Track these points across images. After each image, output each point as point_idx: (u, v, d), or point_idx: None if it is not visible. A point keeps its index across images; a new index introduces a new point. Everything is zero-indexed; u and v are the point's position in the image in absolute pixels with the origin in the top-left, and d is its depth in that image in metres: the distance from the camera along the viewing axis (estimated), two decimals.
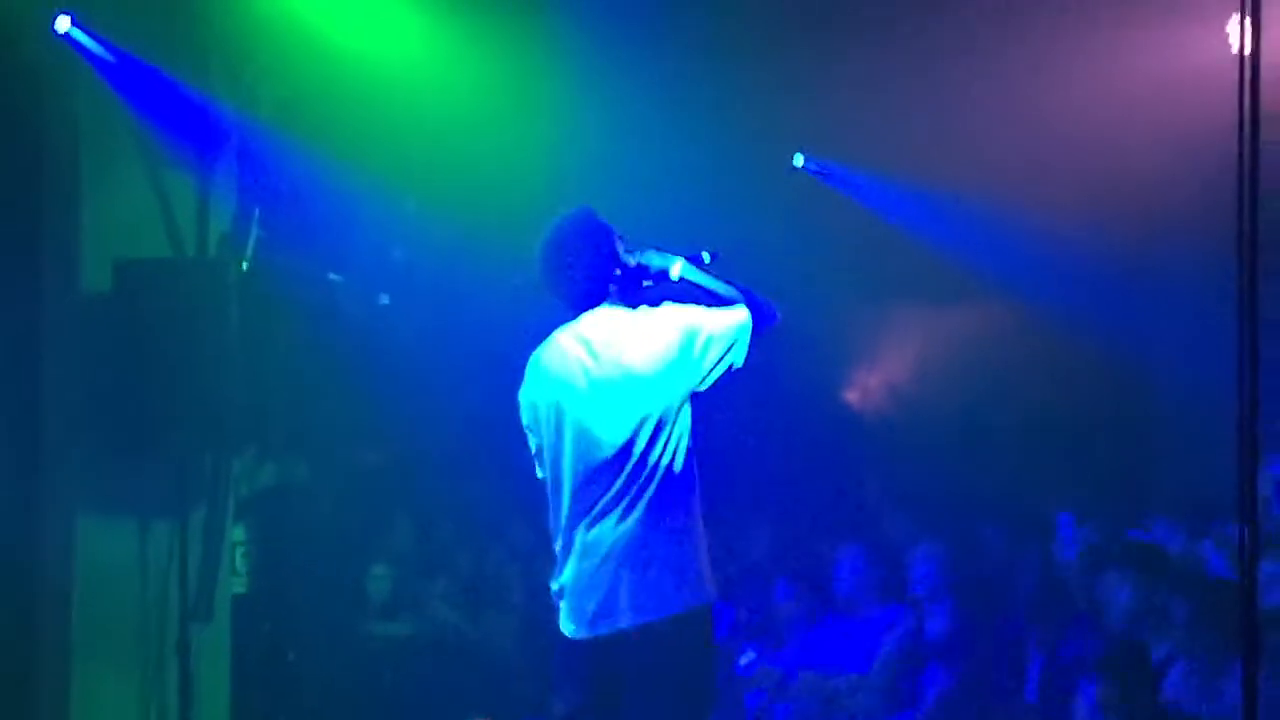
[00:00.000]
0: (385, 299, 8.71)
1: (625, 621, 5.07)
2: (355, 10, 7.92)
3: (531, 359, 5.37)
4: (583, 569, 5.14)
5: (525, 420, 5.36)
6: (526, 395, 5.35)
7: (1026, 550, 7.55)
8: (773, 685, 7.52)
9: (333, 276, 8.41)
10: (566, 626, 5.22)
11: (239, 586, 8.37)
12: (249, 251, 7.83)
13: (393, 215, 8.62)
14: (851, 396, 10.29)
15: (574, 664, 5.20)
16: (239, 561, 8.39)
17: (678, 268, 5.30)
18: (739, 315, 5.19)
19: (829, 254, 9.21)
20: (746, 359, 5.19)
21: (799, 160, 8.82)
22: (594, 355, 5.20)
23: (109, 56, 7.31)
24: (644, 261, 5.31)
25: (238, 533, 8.38)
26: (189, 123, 7.67)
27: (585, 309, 5.28)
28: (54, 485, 7.79)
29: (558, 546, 5.25)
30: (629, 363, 5.15)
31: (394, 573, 8.93)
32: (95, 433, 7.59)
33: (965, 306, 9.74)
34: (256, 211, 7.94)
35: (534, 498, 8.79)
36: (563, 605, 5.23)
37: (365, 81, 7.97)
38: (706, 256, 5.35)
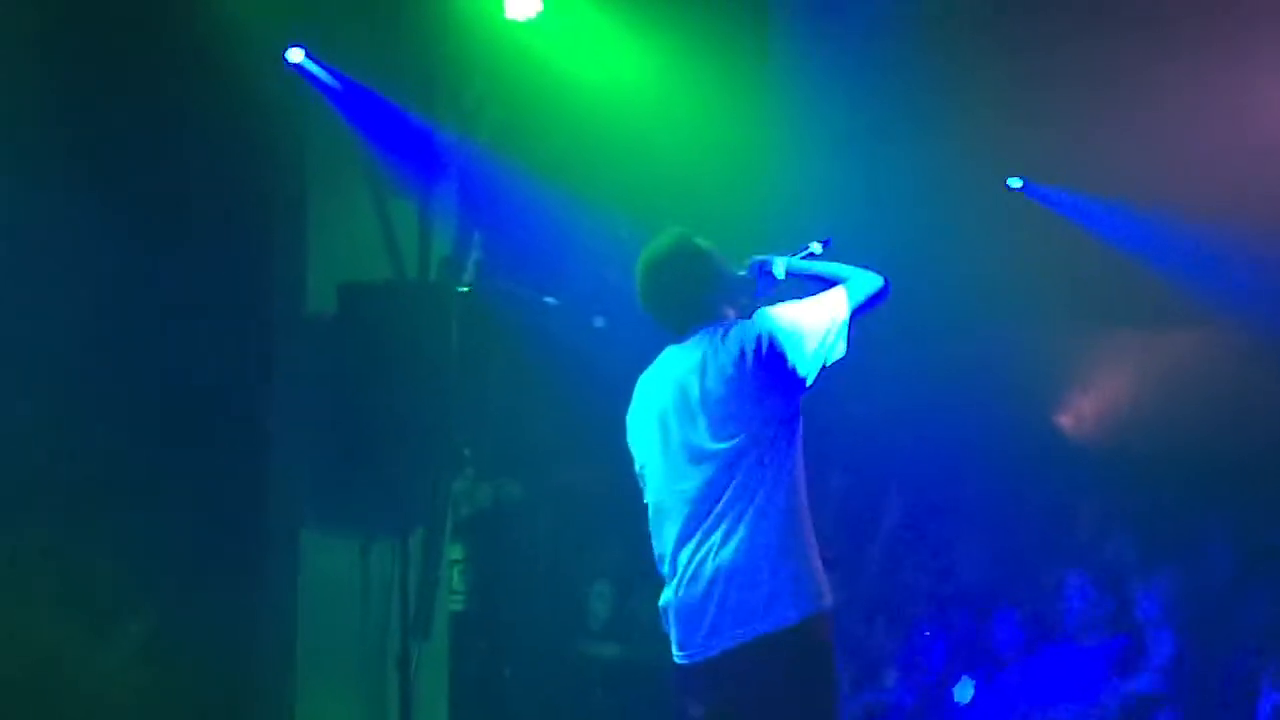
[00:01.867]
0: (600, 322, 8.78)
1: (729, 643, 4.91)
2: (574, 35, 8.00)
3: (640, 381, 5.29)
4: (690, 594, 4.98)
5: (630, 441, 5.27)
6: (632, 417, 5.27)
7: (1258, 580, 7.34)
8: (991, 714, 7.42)
9: (549, 299, 8.51)
10: (675, 653, 5.08)
11: (457, 604, 8.50)
12: (469, 274, 7.96)
13: (607, 238, 8.68)
14: (1068, 420, 10.12)
15: (685, 690, 5.05)
16: (457, 580, 8.53)
17: (782, 266, 5.17)
18: (832, 299, 5.02)
19: (1046, 276, 9.08)
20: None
21: (1016, 182, 8.72)
22: (695, 376, 5.05)
23: (336, 84, 7.51)
24: (750, 273, 5.20)
25: (456, 551, 8.52)
26: (412, 148, 7.84)
27: (689, 331, 5.13)
28: (280, 502, 8.00)
29: (664, 570, 5.10)
30: (727, 383, 4.97)
31: (607, 593, 8.97)
32: (319, 451, 7.77)
33: (1187, 330, 9.52)
34: (476, 235, 8.08)
35: None
36: (671, 631, 5.09)
37: (582, 106, 8.05)
38: (818, 247, 5.20)
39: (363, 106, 7.65)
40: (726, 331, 5.05)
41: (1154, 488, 8.67)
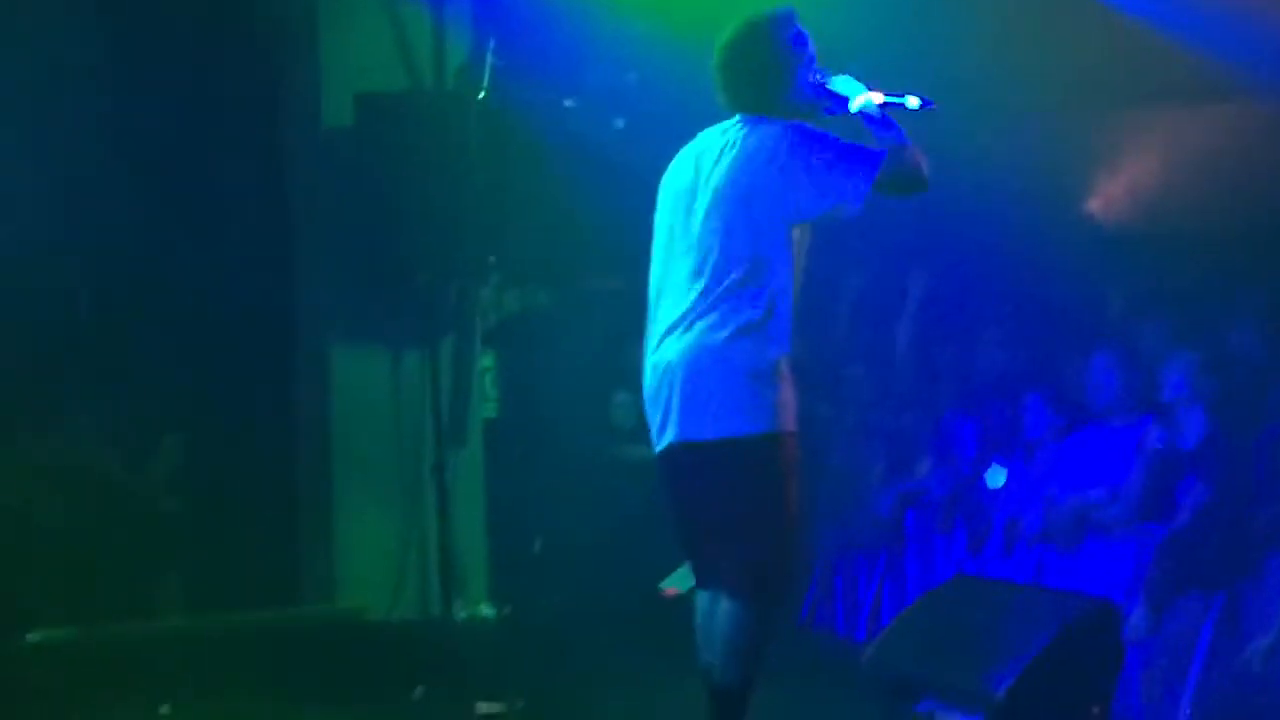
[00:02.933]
0: (620, 123, 8.70)
1: (672, 438, 4.86)
2: None
3: (676, 157, 5.13)
4: (649, 382, 4.95)
5: (654, 219, 5.13)
6: (660, 189, 5.14)
7: None
8: (1022, 498, 7.47)
9: (568, 103, 8.43)
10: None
11: (489, 411, 8.57)
12: (485, 81, 7.88)
13: (624, 39, 8.56)
14: (1097, 204, 10.03)
15: (659, 476, 5.03)
16: (489, 386, 8.58)
17: (860, 100, 4.92)
18: (859, 166, 4.81)
19: (1072, 56, 8.91)
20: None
21: None
22: (708, 160, 4.94)
23: None
24: (830, 86, 4.95)
25: (486, 358, 8.56)
26: None
27: (738, 111, 4.97)
28: (307, 314, 8.06)
29: (644, 355, 5.02)
30: (733, 182, 4.85)
31: (627, 402, 9.00)
32: (343, 265, 7.79)
33: (1215, 108, 9.37)
34: (491, 41, 7.98)
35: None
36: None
37: None
38: (914, 101, 4.91)
39: None
40: (756, 127, 4.90)
41: (1184, 269, 8.61)
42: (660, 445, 4.94)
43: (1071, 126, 9.44)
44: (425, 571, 7.89)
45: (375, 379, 7.96)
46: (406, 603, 7.88)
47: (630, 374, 9.24)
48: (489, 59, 7.98)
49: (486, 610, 8.16)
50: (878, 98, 4.93)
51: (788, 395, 4.86)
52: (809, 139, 4.86)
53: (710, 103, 8.64)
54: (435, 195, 7.57)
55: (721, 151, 4.93)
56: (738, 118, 4.97)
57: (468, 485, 8.13)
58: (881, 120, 4.91)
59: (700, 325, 4.82)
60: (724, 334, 4.80)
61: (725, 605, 4.87)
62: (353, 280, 7.80)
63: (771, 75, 4.94)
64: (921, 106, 4.92)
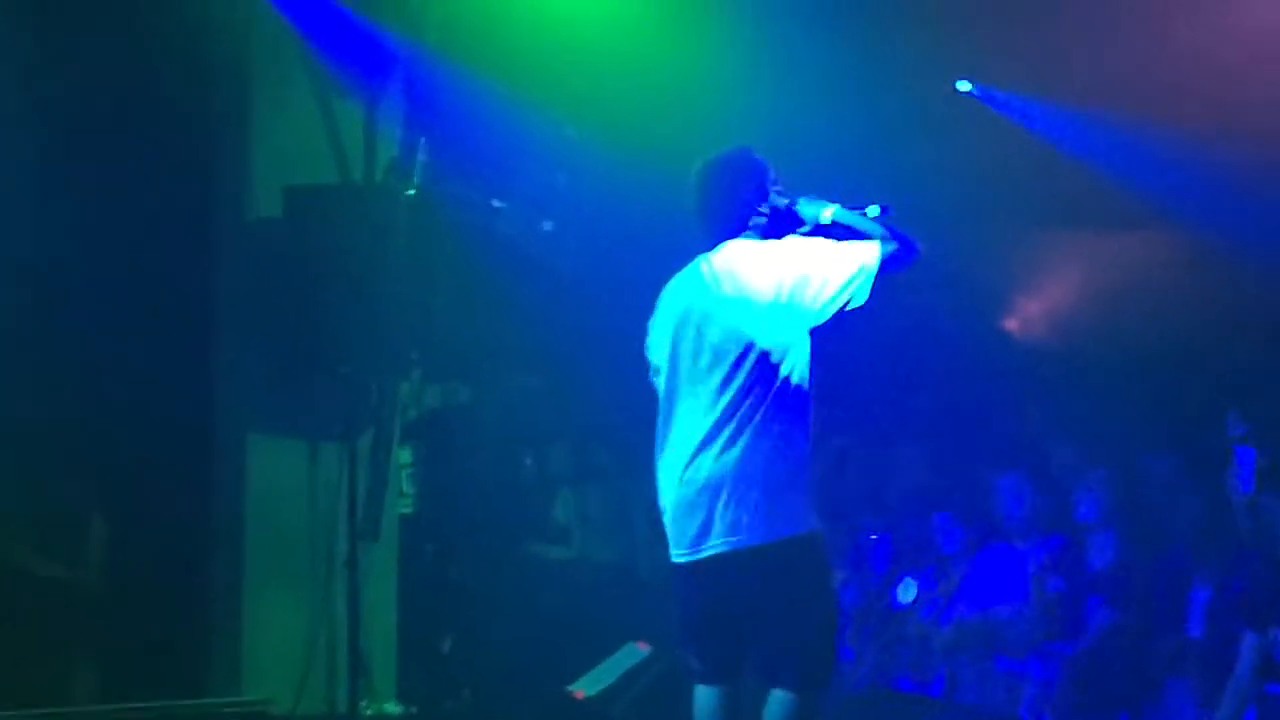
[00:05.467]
0: (548, 225, 8.76)
1: (722, 546, 5.07)
2: None
3: (667, 287, 5.44)
4: (683, 495, 5.15)
5: (649, 344, 5.42)
6: (655, 321, 5.43)
7: (1194, 482, 7.44)
8: (932, 613, 7.53)
9: (496, 203, 8.49)
10: (672, 551, 5.24)
11: (406, 507, 8.53)
12: (415, 178, 7.93)
13: (555, 142, 8.65)
14: (1012, 325, 10.18)
15: (682, 588, 5.23)
16: (405, 483, 8.55)
17: (829, 213, 5.27)
18: (864, 255, 5.14)
19: (992, 179, 9.09)
20: (886, 292, 5.17)
21: (964, 85, 8.71)
22: (717, 283, 5.22)
23: None
24: (796, 209, 5.31)
25: (404, 455, 8.54)
26: (358, 50, 7.78)
27: (723, 240, 5.30)
28: (226, 405, 8.00)
29: (661, 468, 5.27)
30: (747, 294, 5.16)
31: (555, 496, 9.03)
32: (265, 355, 7.77)
33: (1130, 235, 9.57)
34: (423, 139, 8.04)
35: None
36: (667, 529, 5.25)
37: (531, 8, 7.99)
38: (875, 210, 5.27)
39: (308, 7, 7.58)
40: (759, 246, 5.24)
41: (1096, 391, 8.75)
42: (694, 555, 5.12)
43: (991, 240, 9.60)
44: (333, 666, 7.82)
45: (292, 470, 7.91)
46: (312, 697, 7.80)
47: (552, 474, 9.37)
48: (419, 156, 8.04)
49: (392, 708, 8.08)
50: (834, 209, 5.29)
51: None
52: (811, 246, 5.20)
53: (638, 211, 8.83)
54: (360, 289, 7.58)
55: (728, 271, 5.22)
56: (727, 243, 5.28)
57: (380, 581, 8.08)
58: (857, 219, 5.26)
59: (741, 439, 5.07)
60: (767, 443, 5.07)
61: (784, 698, 5.10)
62: (274, 370, 7.78)
63: (752, 202, 5.31)
64: (881, 213, 5.28)
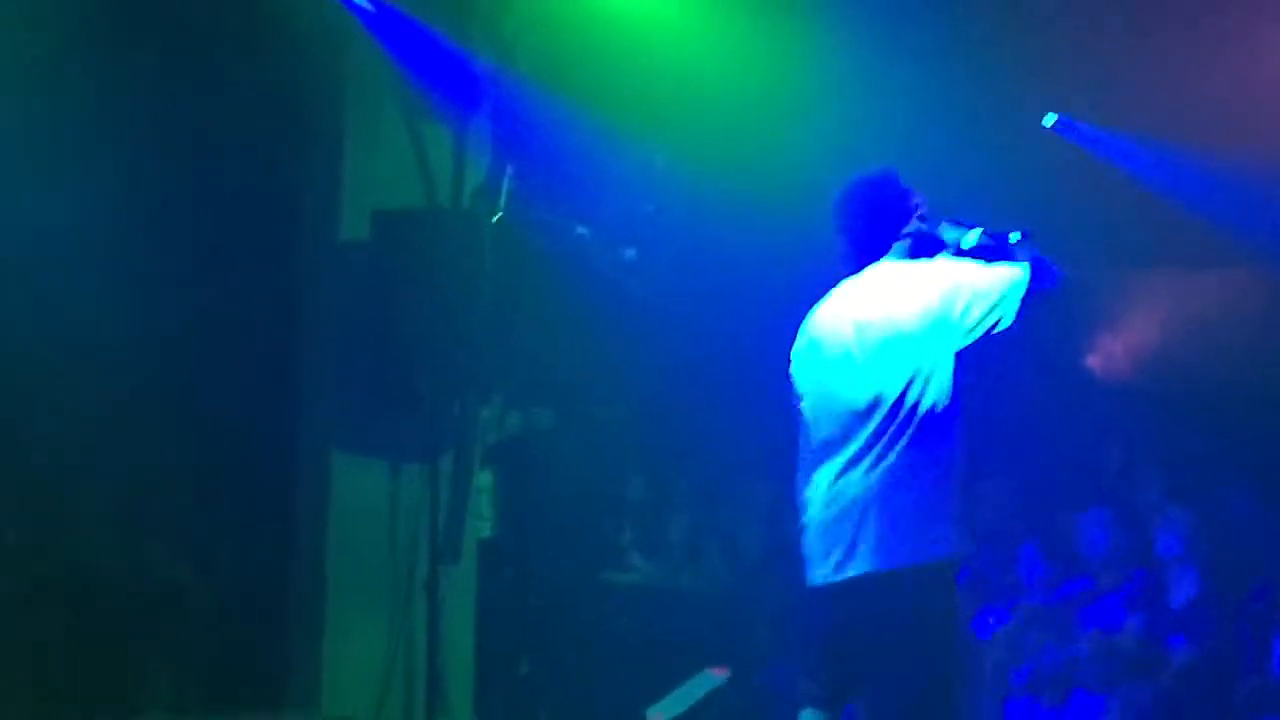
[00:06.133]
0: (632, 253, 8.81)
1: (865, 567, 5.08)
2: None
3: (811, 313, 5.46)
4: (829, 515, 5.17)
5: (794, 370, 5.43)
6: (798, 344, 5.44)
7: (1276, 520, 7.37)
8: (1012, 648, 7.49)
9: (581, 230, 8.54)
10: (809, 572, 5.24)
11: (485, 531, 8.58)
12: (502, 204, 7.99)
13: (641, 170, 8.70)
14: (1098, 361, 10.13)
15: (816, 610, 5.23)
16: (485, 506, 8.60)
17: (972, 237, 5.29)
18: (1010, 274, 5.15)
19: (1079, 216, 9.06)
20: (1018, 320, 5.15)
21: (1050, 120, 8.69)
22: (864, 306, 5.26)
23: (373, 9, 7.53)
24: (939, 233, 5.34)
25: (484, 478, 8.58)
26: (449, 76, 7.85)
27: (867, 264, 5.34)
28: (310, 428, 8.07)
29: (806, 489, 5.28)
30: (894, 314, 5.18)
31: (634, 524, 9.06)
32: (350, 375, 7.84)
33: (1212, 273, 9.53)
34: (510, 165, 8.10)
35: (771, 457, 8.88)
36: (807, 550, 5.25)
37: (620, 37, 8.04)
38: (1016, 236, 5.28)
39: (400, 32, 7.66)
40: (906, 266, 5.28)
41: (1180, 428, 8.69)
42: (836, 577, 5.14)
43: (1074, 276, 9.56)
44: (411, 685, 7.85)
45: (374, 491, 7.96)
46: (390, 715, 7.83)
47: (631, 501, 9.40)
48: (506, 181, 8.10)
49: None
50: (976, 233, 5.32)
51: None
52: (959, 265, 5.22)
53: (723, 239, 8.86)
54: (445, 312, 7.64)
55: (876, 292, 5.26)
56: (873, 265, 5.32)
57: (459, 603, 8.10)
58: (999, 245, 5.27)
59: (888, 458, 5.08)
60: (915, 464, 5.08)
61: None
62: (358, 391, 7.85)
63: (898, 225, 5.34)
64: (1022, 238, 5.29)
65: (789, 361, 5.47)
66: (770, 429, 8.83)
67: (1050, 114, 8.69)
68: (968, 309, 5.12)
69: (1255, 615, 7.03)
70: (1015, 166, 8.76)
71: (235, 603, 7.83)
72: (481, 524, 8.58)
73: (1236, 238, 8.97)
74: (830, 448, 5.22)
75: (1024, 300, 5.13)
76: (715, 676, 7.84)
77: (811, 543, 5.23)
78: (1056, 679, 7.31)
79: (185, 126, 7.62)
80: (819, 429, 5.27)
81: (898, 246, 5.32)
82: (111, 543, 7.92)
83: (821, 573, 5.19)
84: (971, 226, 5.32)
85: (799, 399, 5.40)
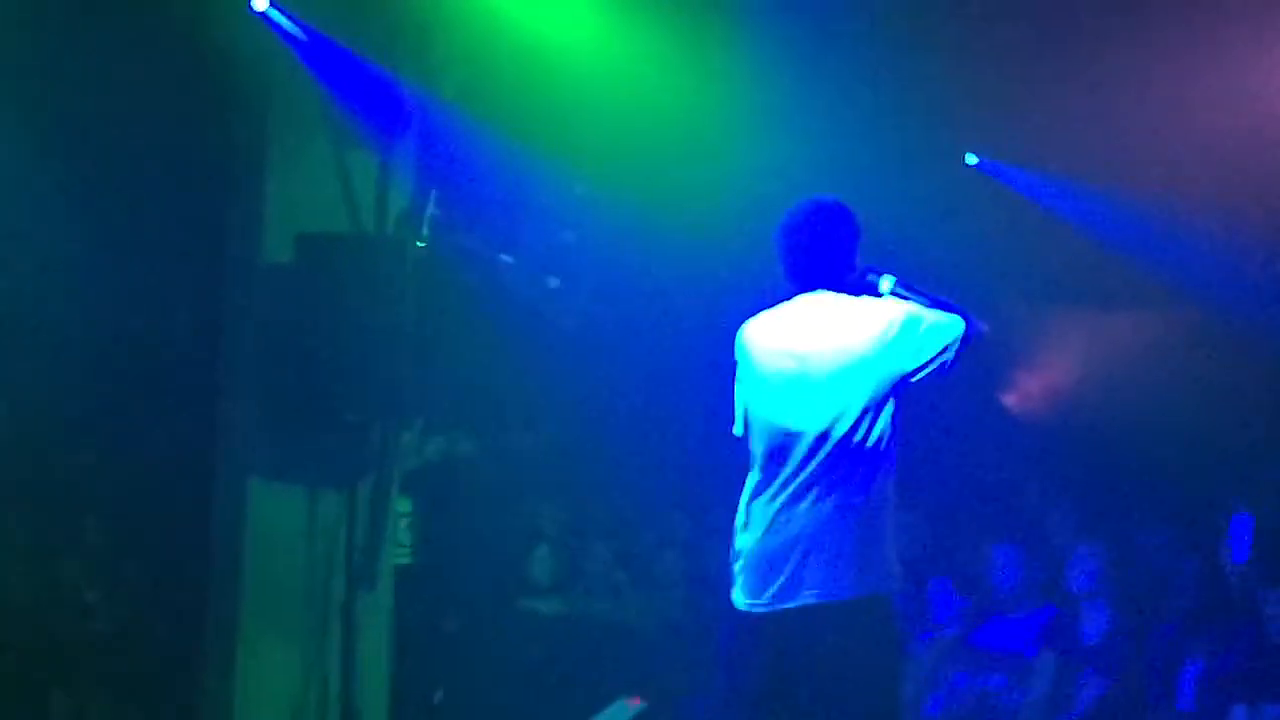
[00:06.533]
0: (555, 281, 8.83)
1: (806, 599, 5.10)
2: None
3: (757, 321, 5.43)
4: (768, 543, 5.18)
5: (740, 378, 5.42)
6: (742, 359, 5.41)
7: (1189, 556, 7.48)
8: (923, 680, 7.54)
9: (505, 258, 8.56)
10: (739, 599, 5.24)
11: (402, 557, 8.55)
12: (425, 230, 7.99)
13: (564, 199, 8.74)
14: (1011, 399, 10.24)
15: (746, 638, 5.23)
16: (403, 532, 8.57)
17: (887, 285, 5.32)
18: (953, 318, 5.21)
19: (993, 254, 9.18)
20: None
21: (972, 159, 8.80)
22: (812, 335, 5.26)
23: (302, 35, 7.53)
24: (867, 271, 5.36)
25: (403, 504, 8.56)
26: (375, 102, 7.86)
27: (810, 290, 5.33)
28: (228, 451, 8.03)
29: (741, 514, 5.29)
30: (846, 343, 5.20)
31: (546, 557, 9.07)
32: (270, 399, 7.81)
33: (1133, 310, 9.65)
34: (434, 191, 8.11)
35: (691, 486, 8.90)
36: (739, 577, 5.25)
37: (545, 67, 8.08)
38: (891, 280, 5.33)
39: (327, 58, 7.67)
40: (852, 301, 5.27)
41: (1093, 465, 8.80)
42: (775, 606, 5.14)
43: (991, 314, 9.66)
44: (325, 712, 7.82)
45: (292, 515, 7.93)
46: None
47: (549, 529, 9.41)
48: (430, 209, 8.11)
49: None
50: (890, 281, 5.35)
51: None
52: (907, 306, 5.25)
53: (644, 267, 8.90)
54: (367, 338, 7.63)
55: (823, 324, 5.26)
56: (817, 293, 5.31)
57: (375, 629, 8.08)
58: (913, 294, 5.31)
59: (835, 493, 5.11)
60: (860, 499, 5.11)
61: None
62: (278, 415, 7.81)
63: (845, 256, 5.33)
64: (899, 285, 5.33)
65: (729, 379, 5.46)
66: (690, 457, 8.91)
67: (970, 154, 8.80)
68: (924, 341, 5.17)
69: (1164, 649, 7.12)
70: (935, 204, 8.87)
71: (147, 627, 7.76)
72: (400, 550, 8.55)
73: (1148, 277, 9.10)
74: (774, 474, 5.22)
75: (961, 349, 5.19)
76: (631, 707, 7.84)
77: (749, 569, 5.22)
78: (969, 713, 7.36)
79: (108, 147, 7.60)
80: (761, 453, 5.27)
81: (840, 279, 5.31)
82: (21, 564, 7.85)
83: (760, 601, 5.18)
84: (883, 272, 5.36)
85: (745, 408, 5.39)
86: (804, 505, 5.13)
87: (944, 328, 5.18)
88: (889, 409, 5.18)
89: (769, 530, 5.18)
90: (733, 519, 5.38)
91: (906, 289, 5.31)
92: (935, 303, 5.26)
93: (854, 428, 5.13)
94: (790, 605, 5.12)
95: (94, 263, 7.57)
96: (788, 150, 8.30)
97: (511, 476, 9.20)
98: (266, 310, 7.84)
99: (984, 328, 5.27)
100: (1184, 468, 8.37)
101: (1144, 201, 8.65)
